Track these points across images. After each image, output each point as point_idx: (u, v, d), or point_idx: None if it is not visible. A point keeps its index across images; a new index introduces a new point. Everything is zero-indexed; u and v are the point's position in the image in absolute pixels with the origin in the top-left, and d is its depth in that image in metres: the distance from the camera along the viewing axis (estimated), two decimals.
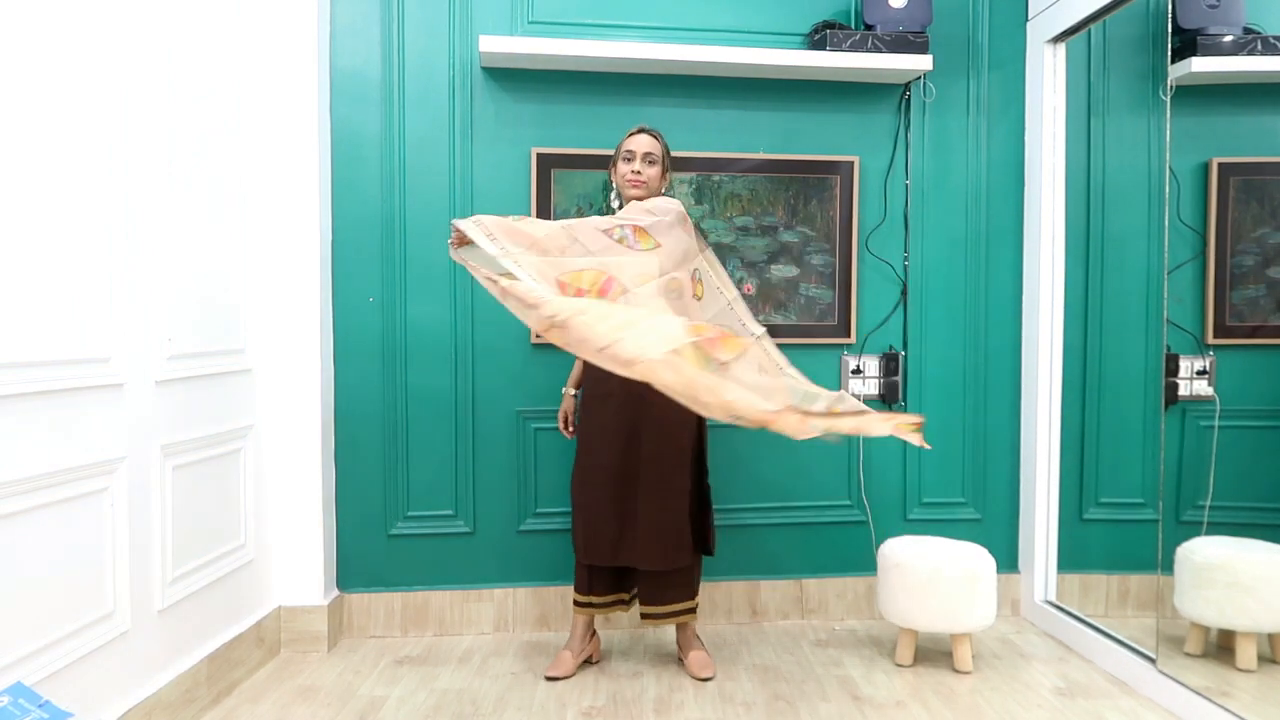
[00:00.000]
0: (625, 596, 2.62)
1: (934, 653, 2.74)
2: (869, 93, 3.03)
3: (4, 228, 1.63)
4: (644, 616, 2.56)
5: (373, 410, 2.88)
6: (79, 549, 1.85)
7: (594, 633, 2.65)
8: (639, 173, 2.46)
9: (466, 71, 2.88)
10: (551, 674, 2.53)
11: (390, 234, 2.86)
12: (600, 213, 2.88)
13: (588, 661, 2.63)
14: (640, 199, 2.46)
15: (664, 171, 2.53)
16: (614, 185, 2.57)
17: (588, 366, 2.45)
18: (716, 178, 2.96)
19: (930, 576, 2.56)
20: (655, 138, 2.50)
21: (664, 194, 2.54)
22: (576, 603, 2.58)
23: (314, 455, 2.73)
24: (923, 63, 2.86)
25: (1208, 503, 2.69)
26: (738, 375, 2.04)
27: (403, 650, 2.78)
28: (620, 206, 2.53)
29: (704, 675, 2.53)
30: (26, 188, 1.68)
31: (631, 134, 2.51)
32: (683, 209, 2.39)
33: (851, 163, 3.01)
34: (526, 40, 2.75)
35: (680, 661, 2.65)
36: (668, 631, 2.87)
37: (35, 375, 1.70)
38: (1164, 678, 2.37)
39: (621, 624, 2.94)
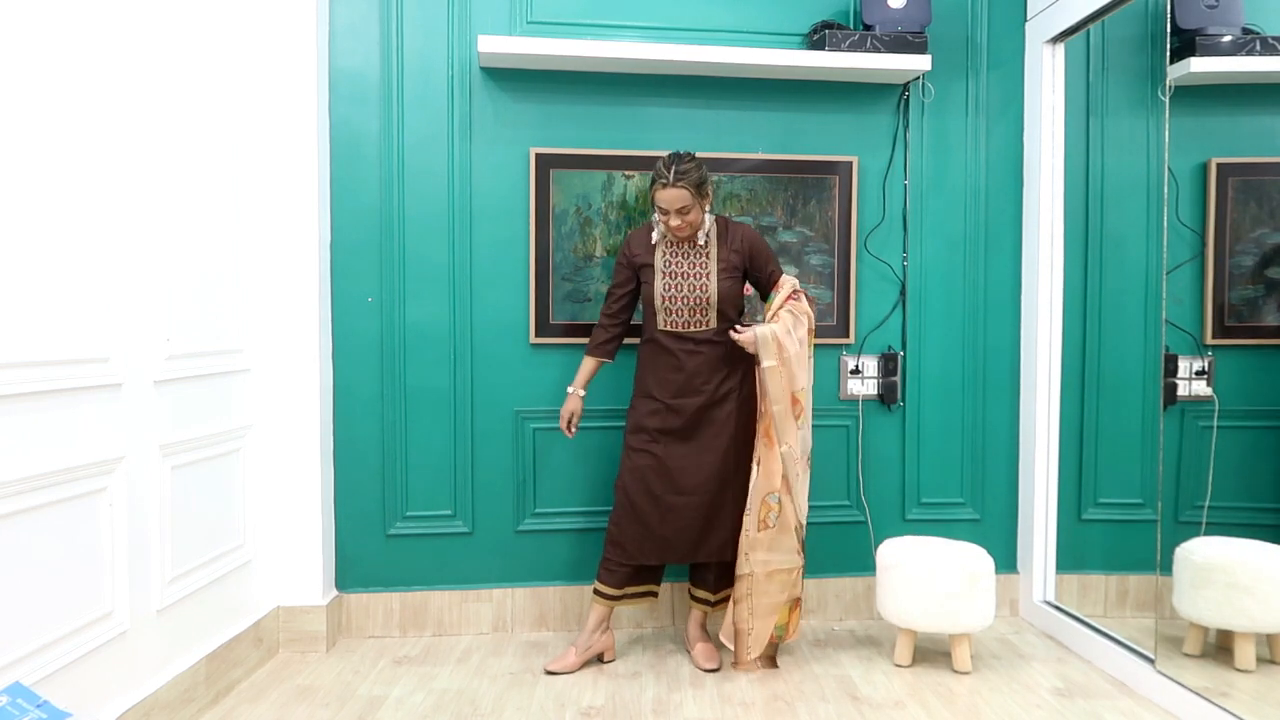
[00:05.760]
0: (656, 589, 2.71)
1: (933, 653, 2.74)
2: (868, 93, 3.03)
3: (3, 228, 1.63)
4: (713, 604, 2.68)
5: (371, 410, 2.88)
6: (77, 549, 1.85)
7: (607, 628, 2.67)
8: (679, 226, 2.50)
9: (465, 72, 2.88)
10: (551, 668, 2.56)
11: (389, 234, 2.86)
12: (599, 213, 2.89)
13: (599, 659, 2.65)
14: (689, 238, 2.56)
15: (701, 202, 2.50)
16: (657, 221, 2.56)
17: (646, 381, 2.58)
18: (715, 178, 2.95)
19: (929, 577, 2.56)
20: (680, 186, 2.43)
21: (707, 212, 2.56)
22: (605, 595, 2.62)
23: (312, 455, 2.73)
24: (921, 63, 2.86)
25: (1206, 503, 2.69)
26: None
27: (401, 650, 2.78)
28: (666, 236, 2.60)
29: (709, 666, 2.59)
30: (26, 188, 1.68)
31: (657, 190, 2.46)
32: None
33: (850, 163, 3.01)
34: (525, 40, 2.75)
35: (687, 651, 2.71)
36: (666, 631, 2.92)
37: (35, 375, 1.70)
38: (1163, 678, 2.37)
39: (621, 624, 2.94)
